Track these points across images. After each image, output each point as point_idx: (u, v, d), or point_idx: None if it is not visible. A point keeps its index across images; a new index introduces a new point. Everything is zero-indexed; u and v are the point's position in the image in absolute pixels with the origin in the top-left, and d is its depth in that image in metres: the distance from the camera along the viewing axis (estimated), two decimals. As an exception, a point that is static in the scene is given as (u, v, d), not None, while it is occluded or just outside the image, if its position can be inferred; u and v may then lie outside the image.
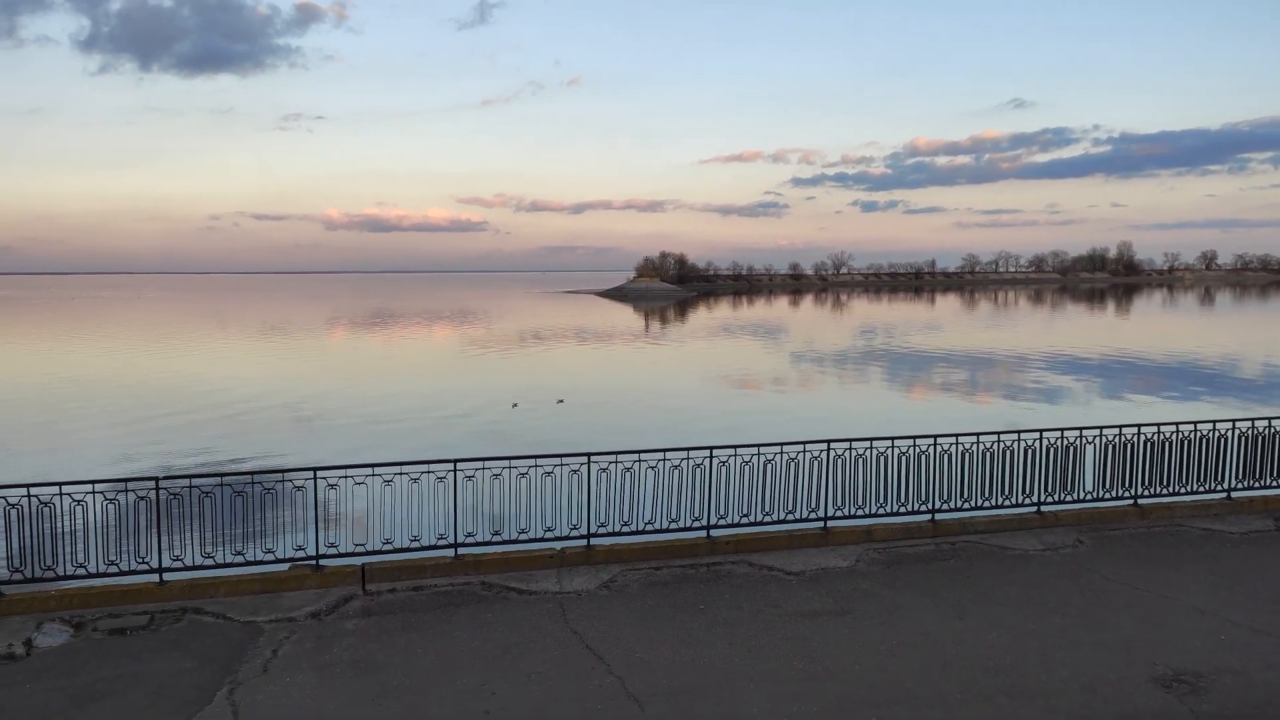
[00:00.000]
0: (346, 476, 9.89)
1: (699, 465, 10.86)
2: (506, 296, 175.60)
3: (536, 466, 10.48)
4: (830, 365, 43.33)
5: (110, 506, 9.39)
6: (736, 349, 52.62)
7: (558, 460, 10.45)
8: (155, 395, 32.11)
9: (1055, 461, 11.71)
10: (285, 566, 9.95)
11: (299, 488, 9.98)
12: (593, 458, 10.63)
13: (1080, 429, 11.81)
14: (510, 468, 10.37)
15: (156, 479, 9.46)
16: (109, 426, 25.73)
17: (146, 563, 9.47)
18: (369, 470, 9.89)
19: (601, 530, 10.79)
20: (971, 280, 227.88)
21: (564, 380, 37.16)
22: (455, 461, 10.27)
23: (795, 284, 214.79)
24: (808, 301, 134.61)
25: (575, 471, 10.63)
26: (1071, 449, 11.68)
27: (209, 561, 9.71)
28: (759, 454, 10.92)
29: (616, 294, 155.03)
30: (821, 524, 11.43)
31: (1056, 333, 64.26)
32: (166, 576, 9.55)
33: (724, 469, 10.91)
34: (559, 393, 31.94)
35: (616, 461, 10.66)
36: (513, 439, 23.87)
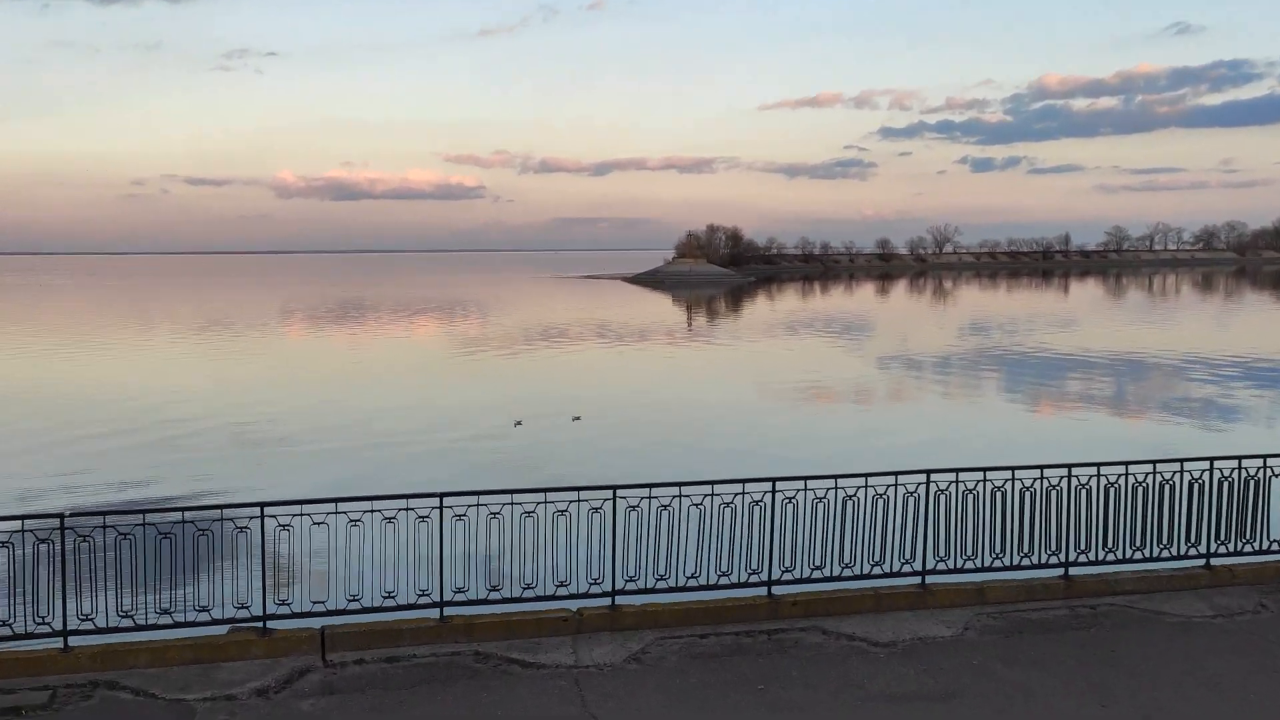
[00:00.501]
0: (303, 515, 9.95)
1: (758, 503, 10.79)
2: (508, 282, 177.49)
3: (546, 503, 10.48)
4: (930, 373, 43.28)
5: (0, 551, 9.52)
6: (806, 352, 52.84)
7: (574, 495, 10.43)
8: (63, 411, 32.70)
9: (1231, 501, 11.55)
10: (224, 630, 10.04)
11: (242, 529, 10.07)
12: (619, 492, 10.60)
13: (1264, 457, 11.65)
14: (512, 504, 10.39)
15: (61, 516, 9.48)
16: (3, 452, 26.21)
17: (47, 624, 9.53)
18: (331, 507, 9.95)
19: (630, 586, 10.81)
20: (1118, 261, 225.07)
21: (581, 392, 37.47)
22: (441, 496, 10.31)
23: (884, 266, 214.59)
24: (900, 289, 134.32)
25: (597, 510, 10.61)
26: (1254, 484, 11.50)
27: (127, 623, 9.81)
28: (836, 489, 10.84)
29: (650, 279, 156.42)
30: (919, 580, 11.37)
31: (1232, 331, 63.50)
32: (73, 641, 9.60)
33: (790, 508, 10.83)
34: (575, 407, 32.20)
35: (650, 497, 10.62)
36: (516, 467, 24.16)
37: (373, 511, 10.03)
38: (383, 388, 38.90)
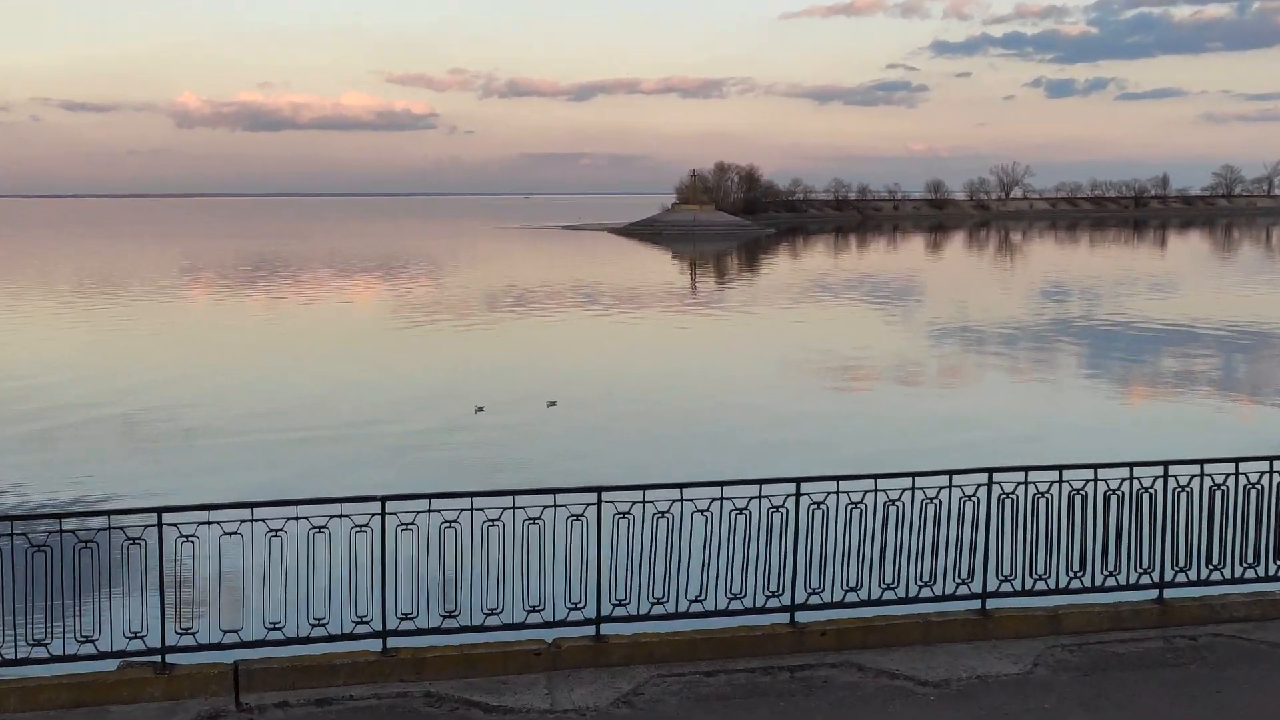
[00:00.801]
0: (211, 523, 9.94)
1: (778, 509, 10.78)
2: (467, 234, 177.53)
3: (514, 509, 10.50)
4: (994, 349, 43.53)
5: None
6: (839, 322, 53.23)
7: (548, 499, 10.45)
8: (-89, 393, 33.13)
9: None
10: (114, 665, 10.06)
11: (135, 541, 10.07)
12: (606, 496, 10.60)
13: None
14: (473, 510, 10.41)
15: (-95, 524, 9.63)
16: None
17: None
18: (246, 513, 9.94)
19: (620, 612, 10.88)
20: (1228, 209, 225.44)
21: (559, 372, 37.61)
22: (384, 500, 10.29)
23: (937, 215, 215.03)
24: (956, 244, 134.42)
25: (577, 517, 10.61)
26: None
27: (-9, 657, 9.86)
28: (875, 491, 10.85)
29: (645, 230, 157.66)
30: (978, 605, 11.39)
31: (1371, 296, 64.62)
32: (-77, 680, 9.69)
33: (818, 515, 10.84)
34: (551, 391, 32.37)
35: (644, 501, 10.61)
36: (477, 465, 24.29)
37: (299, 519, 10.02)
38: (311, 367, 39.01)
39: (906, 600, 11.17)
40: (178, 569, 10.27)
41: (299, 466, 24.24)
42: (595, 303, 60.69)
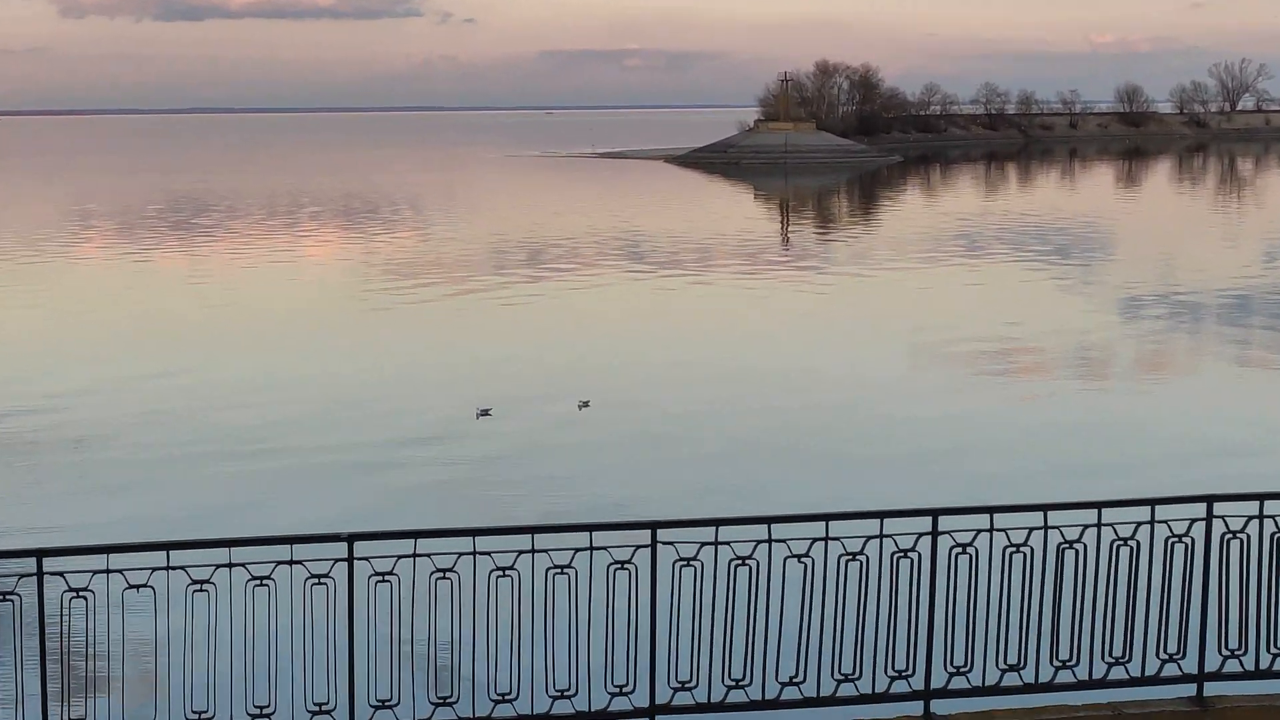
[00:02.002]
0: (111, 571, 9.96)
1: (905, 553, 10.70)
2: (467, 165, 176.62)
3: (533, 552, 10.49)
4: (1215, 328, 43.70)
5: None
6: (989, 289, 53.51)
7: (580, 539, 10.60)
8: None
9: None
10: (-24, 768, 10.16)
11: (7, 596, 10.22)
12: (662, 534, 10.58)
13: None
14: (476, 554, 10.43)
15: None
16: None
17: None
18: (160, 557, 10.00)
19: (683, 699, 10.89)
20: None
21: (593, 358, 37.95)
22: (351, 539, 10.30)
23: (1131, 135, 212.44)
24: (1160, 176, 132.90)
25: (623, 565, 10.59)
26: None
27: None
28: (1046, 528, 10.77)
29: (716, 159, 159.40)
30: (1192, 691, 11.25)
31: None
32: None
33: (963, 561, 10.77)
34: (582, 387, 32.50)
35: (716, 543, 10.57)
36: (480, 492, 24.42)
37: (232, 567, 10.07)
38: (250, 354, 39.41)
39: (1090, 684, 11.11)
40: (66, 633, 10.38)
41: (233, 492, 24.44)
42: (644, 263, 60.90)
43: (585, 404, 30.90)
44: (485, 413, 29.99)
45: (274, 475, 25.55)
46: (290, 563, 10.27)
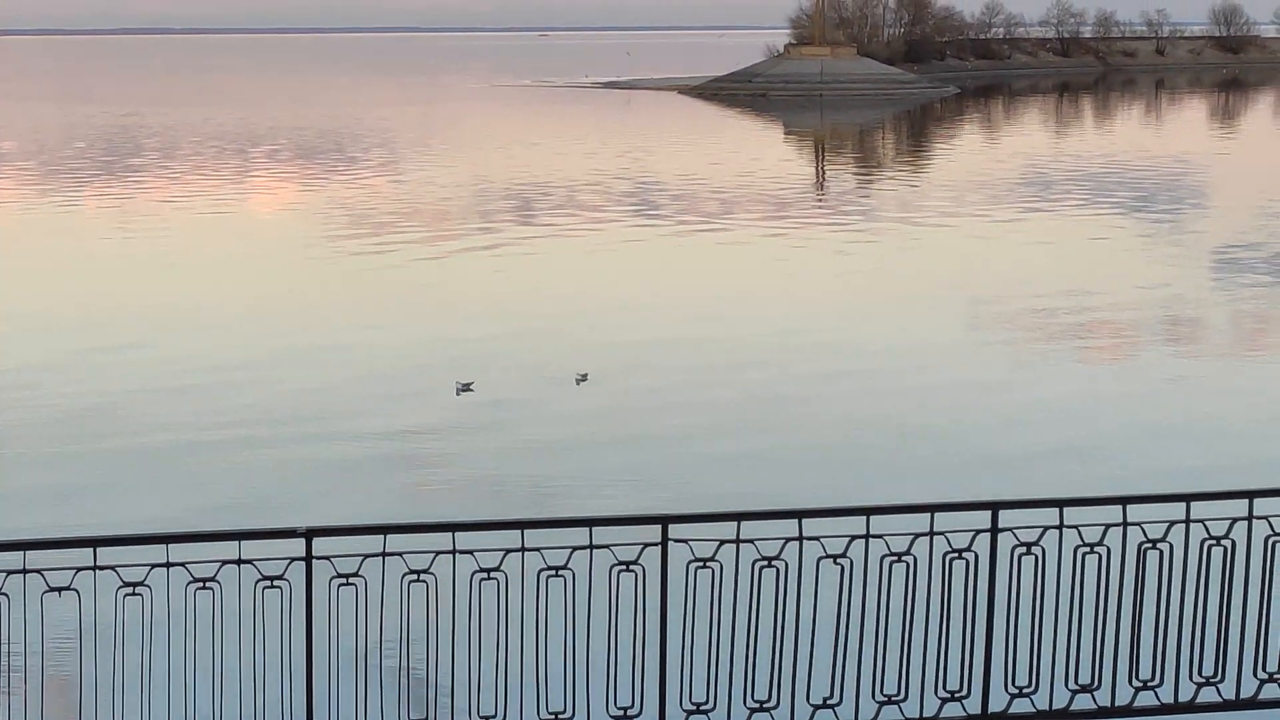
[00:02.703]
0: (28, 571, 9.82)
1: (959, 553, 10.73)
2: (443, 95, 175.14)
3: (524, 551, 10.49)
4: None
5: None
6: (1062, 245, 53.49)
7: (579, 535, 10.62)
8: None
9: None
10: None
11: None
12: (674, 530, 10.56)
13: None
14: (455, 554, 10.42)
15: None
16: None
17: None
18: (85, 555, 9.96)
19: (701, 726, 10.86)
20: None
21: (593, 325, 38.12)
22: (309, 535, 10.31)
23: (1228, 62, 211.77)
24: (1262, 108, 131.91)
25: (628, 567, 10.57)
26: None
27: None
28: (1125, 524, 10.69)
29: (739, 90, 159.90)
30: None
31: None
32: None
33: (1027, 564, 10.73)
34: (579, 359, 32.56)
35: (737, 541, 10.63)
36: (461, 479, 24.56)
37: (169, 567, 10.11)
38: (189, 319, 39.42)
39: (1176, 708, 11.13)
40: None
41: (171, 482, 24.52)
42: (655, 213, 60.95)
43: (583, 377, 30.91)
44: (466, 388, 29.97)
45: (216, 462, 25.65)
46: (238, 562, 10.28)
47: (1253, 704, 11.47)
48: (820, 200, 66.91)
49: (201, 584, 10.25)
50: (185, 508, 22.44)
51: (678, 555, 10.69)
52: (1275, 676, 11.46)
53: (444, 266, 48.33)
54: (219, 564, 10.28)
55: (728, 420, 28.51)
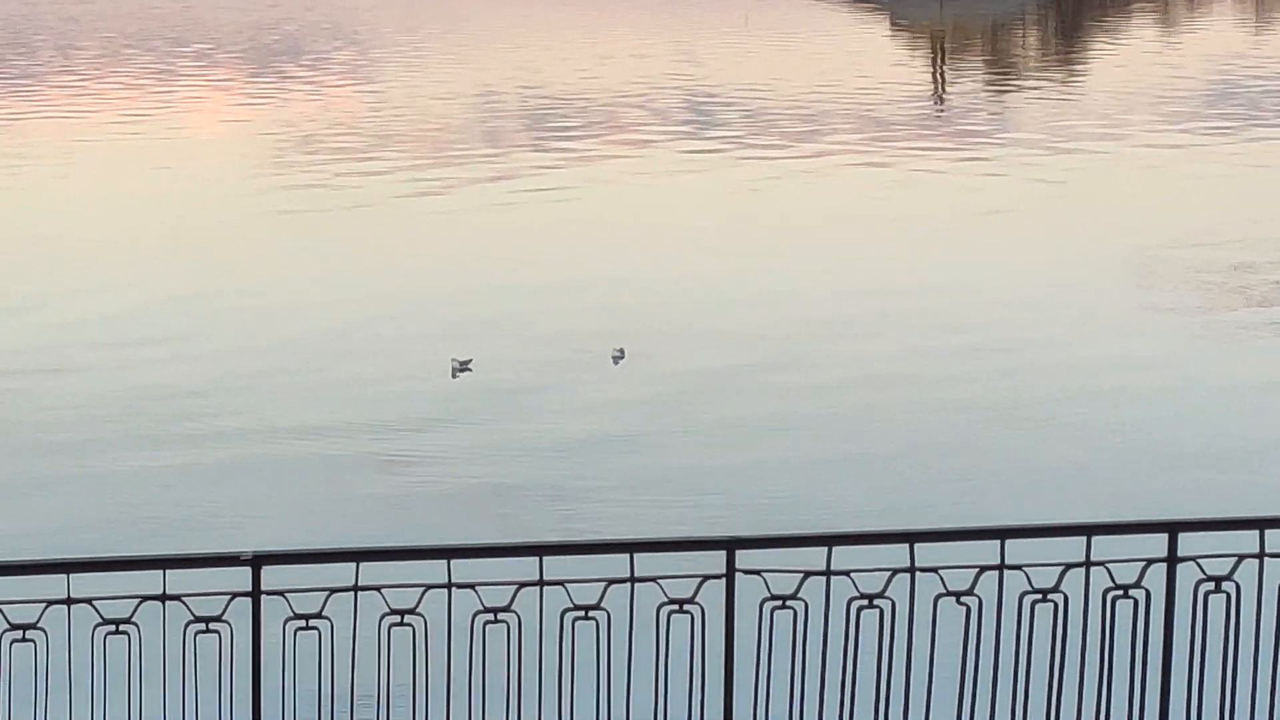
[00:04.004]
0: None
1: (1124, 591, 10.68)
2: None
3: (542, 585, 10.46)
4: None
5: None
6: (1267, 179, 53.26)
7: (615, 563, 10.71)
8: None
9: None
10: None
11: None
12: (742, 555, 10.54)
13: None
14: (452, 588, 10.41)
15: None
16: None
17: None
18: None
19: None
20: None
21: (630, 284, 38.37)
22: (257, 561, 10.28)
23: None
24: None
25: (681, 607, 10.61)
26: None
27: None
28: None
29: None
30: None
31: None
32: None
33: (1216, 604, 10.68)
34: (615, 330, 32.68)
35: (827, 572, 10.63)
36: (458, 487, 24.73)
37: (72, 603, 10.25)
38: (119, 279, 39.60)
39: None
40: None
41: (70, 493, 24.62)
42: (718, 136, 60.93)
43: (620, 355, 30.98)
44: (464, 366, 30.09)
45: (136, 467, 25.84)
46: (161, 598, 10.31)
47: None
48: (937, 119, 66.82)
49: (114, 627, 10.29)
50: (89, 526, 22.54)
51: (748, 591, 10.69)
52: None
53: (436, 205, 48.40)
54: (136, 600, 10.31)
55: (812, 412, 28.60)
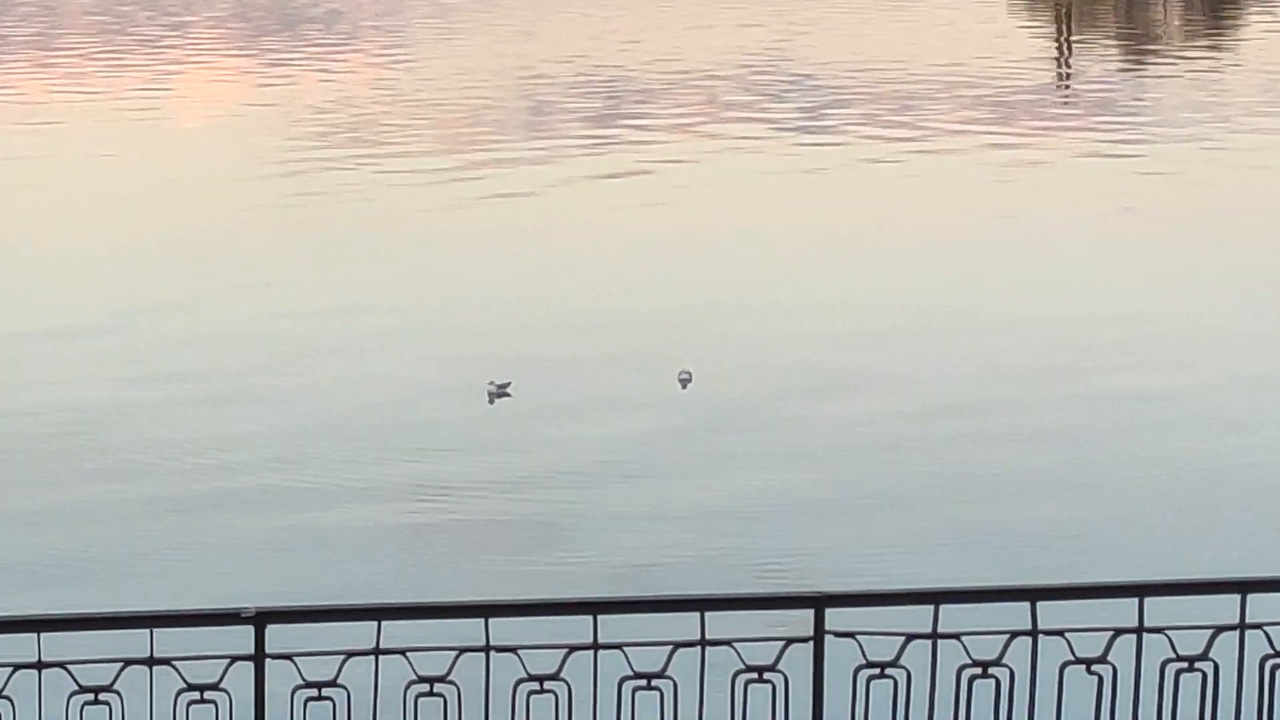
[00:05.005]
0: None
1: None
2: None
3: (599, 648, 10.43)
4: None
5: None
6: None
7: (683, 623, 10.61)
8: None
9: None
10: None
11: None
12: (833, 614, 10.53)
13: None
14: (490, 651, 10.39)
15: None
16: None
17: None
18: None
19: None
20: None
21: (700, 296, 38.14)
22: (259, 619, 10.28)
23: None
24: None
25: (762, 677, 10.55)
26: None
27: None
28: None
29: None
30: None
31: None
32: None
33: None
34: (677, 349, 32.52)
35: (934, 636, 10.55)
36: (495, 532, 24.86)
37: (44, 668, 10.18)
38: (90, 283, 39.75)
39: None
40: None
41: (39, 539, 24.71)
42: (802, 119, 60.90)
43: (687, 378, 31.03)
44: (503, 391, 30.20)
45: (118, 509, 25.83)
46: (148, 662, 10.36)
47: None
48: (1064, 98, 66.73)
49: (92, 696, 10.34)
50: (65, 579, 22.61)
51: (840, 656, 10.72)
52: None
53: (472, 200, 48.51)
54: (119, 665, 10.36)
55: (914, 443, 28.61)
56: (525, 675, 10.53)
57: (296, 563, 23.24)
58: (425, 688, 10.47)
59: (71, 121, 62.18)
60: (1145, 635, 10.78)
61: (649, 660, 10.55)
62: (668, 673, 10.58)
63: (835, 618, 10.70)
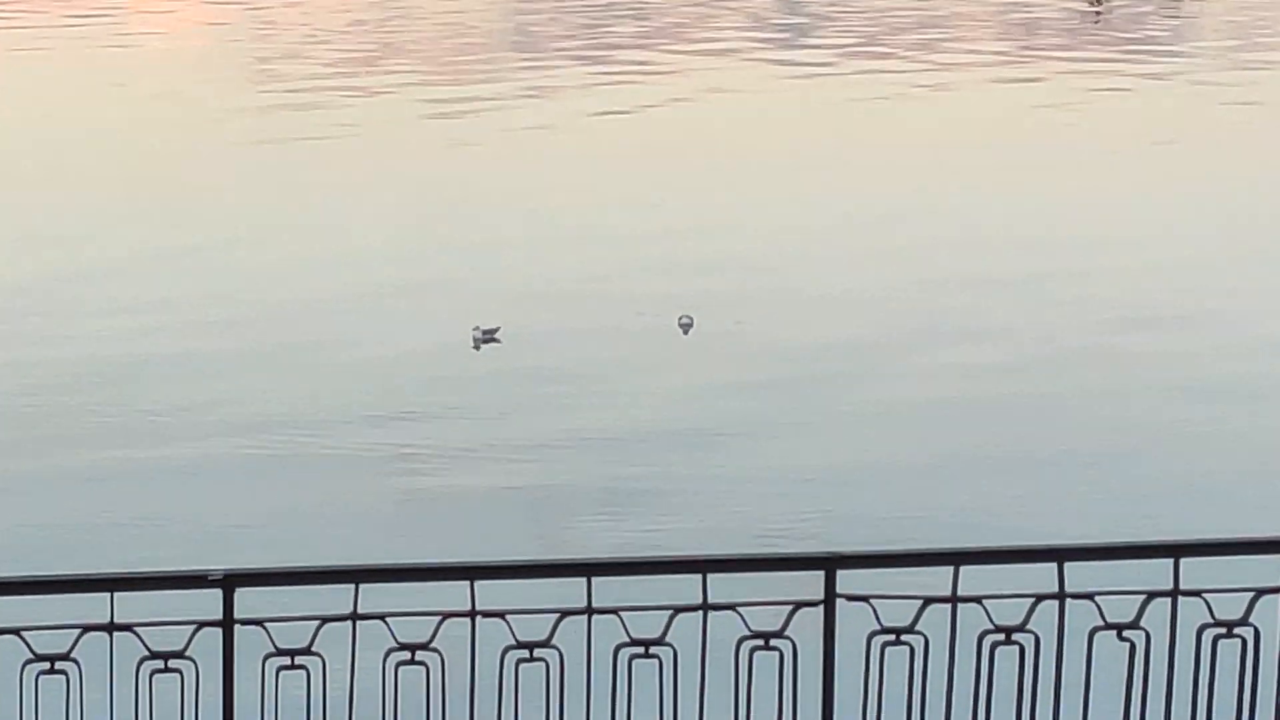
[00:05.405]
0: None
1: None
2: None
3: (593, 612, 10.41)
4: None
5: None
6: None
7: (685, 586, 10.43)
8: None
9: None
10: None
11: None
12: (843, 579, 10.52)
13: None
14: (474, 615, 10.36)
15: None
16: None
17: None
18: None
19: None
20: None
21: (703, 230, 38.28)
22: (228, 582, 10.24)
23: None
24: None
25: (768, 644, 10.51)
26: None
27: None
28: None
29: None
30: None
31: None
32: None
33: None
34: (678, 292, 32.52)
35: (954, 599, 10.50)
36: (482, 491, 24.80)
37: (-2, 634, 10.17)
38: (50, 226, 39.80)
39: None
40: None
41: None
42: (812, 43, 61.02)
43: (689, 323, 31.10)
44: (489, 336, 30.27)
45: (77, 466, 25.98)
46: (109, 628, 10.35)
47: None
48: (1096, 25, 66.74)
49: (48, 665, 10.33)
50: (14, 538, 22.65)
51: (852, 621, 10.71)
52: None
53: (451, 130, 48.74)
54: (77, 631, 10.34)
55: (932, 399, 28.75)
56: (514, 642, 10.49)
57: (265, 524, 23.25)
58: (406, 655, 10.41)
59: (32, 45, 62.29)
60: (1181, 598, 10.76)
61: (647, 626, 10.52)
62: (667, 639, 10.54)
63: (847, 580, 10.67)
